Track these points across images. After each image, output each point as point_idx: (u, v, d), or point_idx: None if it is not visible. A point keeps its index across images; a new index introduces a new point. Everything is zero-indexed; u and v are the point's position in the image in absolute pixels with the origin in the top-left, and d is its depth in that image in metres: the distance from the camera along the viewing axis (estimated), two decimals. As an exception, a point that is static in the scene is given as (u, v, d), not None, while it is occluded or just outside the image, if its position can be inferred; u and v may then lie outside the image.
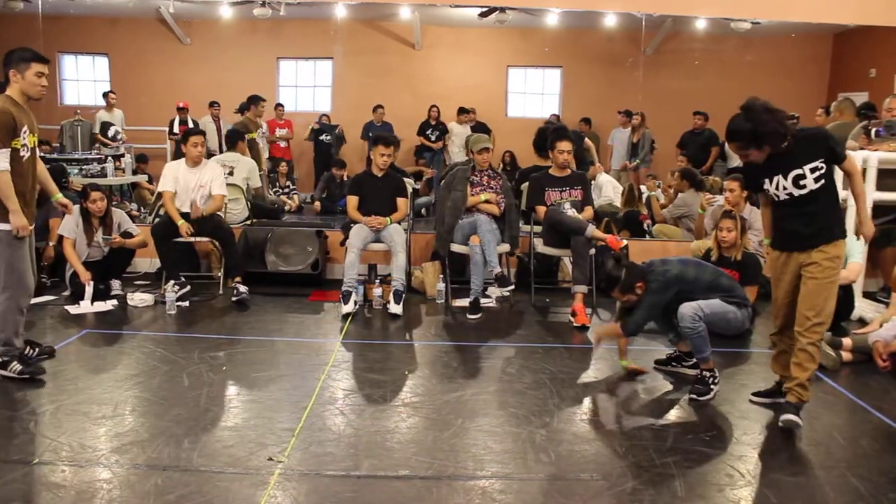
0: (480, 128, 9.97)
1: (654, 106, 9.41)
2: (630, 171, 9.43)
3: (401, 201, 5.69)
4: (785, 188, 3.28)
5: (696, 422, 3.50)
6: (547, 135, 5.79)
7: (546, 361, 4.27)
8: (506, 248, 5.67)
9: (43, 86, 3.75)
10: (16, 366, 3.76)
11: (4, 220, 3.65)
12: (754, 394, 3.75)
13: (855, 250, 4.91)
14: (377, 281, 5.59)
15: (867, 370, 4.15)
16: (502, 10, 8.52)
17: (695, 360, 3.91)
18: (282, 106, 10.45)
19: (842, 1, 6.96)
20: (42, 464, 2.84)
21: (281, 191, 9.66)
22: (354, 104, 10.59)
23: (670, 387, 3.95)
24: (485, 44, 11.08)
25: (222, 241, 5.70)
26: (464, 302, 5.40)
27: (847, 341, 4.38)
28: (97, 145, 8.57)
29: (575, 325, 5.04)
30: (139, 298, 5.29)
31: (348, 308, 5.13)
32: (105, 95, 9.33)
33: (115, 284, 5.50)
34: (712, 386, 3.74)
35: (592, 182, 6.74)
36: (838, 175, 3.53)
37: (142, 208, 8.09)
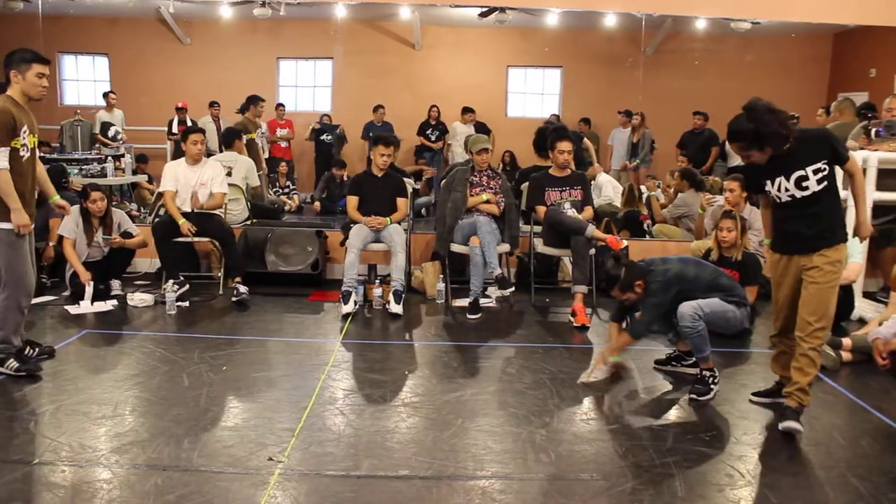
0: (480, 128, 9.98)
1: (654, 106, 9.41)
2: (630, 171, 9.43)
3: (401, 201, 5.69)
4: (787, 190, 3.25)
5: (696, 422, 3.50)
6: (547, 135, 5.79)
7: (546, 361, 4.27)
8: (506, 248, 5.67)
9: (44, 86, 3.76)
10: (13, 363, 3.77)
11: (5, 220, 3.66)
12: (754, 394, 3.75)
13: (855, 250, 4.91)
14: (377, 281, 5.59)
15: (867, 370, 4.15)
16: (502, 10, 8.52)
17: (694, 358, 3.91)
18: (283, 106, 10.44)
19: (842, 1, 6.96)
20: (42, 464, 2.84)
21: (281, 191, 9.67)
22: (354, 104, 10.59)
23: (670, 387, 3.95)
24: (485, 44, 11.08)
25: (222, 241, 5.70)
26: (464, 302, 5.40)
27: (847, 341, 4.38)
28: (97, 145, 8.57)
29: (575, 325, 5.04)
30: (139, 298, 5.29)
31: (348, 308, 5.13)
32: (105, 95, 9.33)
33: (115, 284, 5.50)
34: (712, 386, 3.74)
35: (592, 182, 6.74)
36: (838, 175, 3.51)
37: (142, 208, 8.09)
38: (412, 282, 5.95)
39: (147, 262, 6.05)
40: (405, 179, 6.04)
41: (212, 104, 9.33)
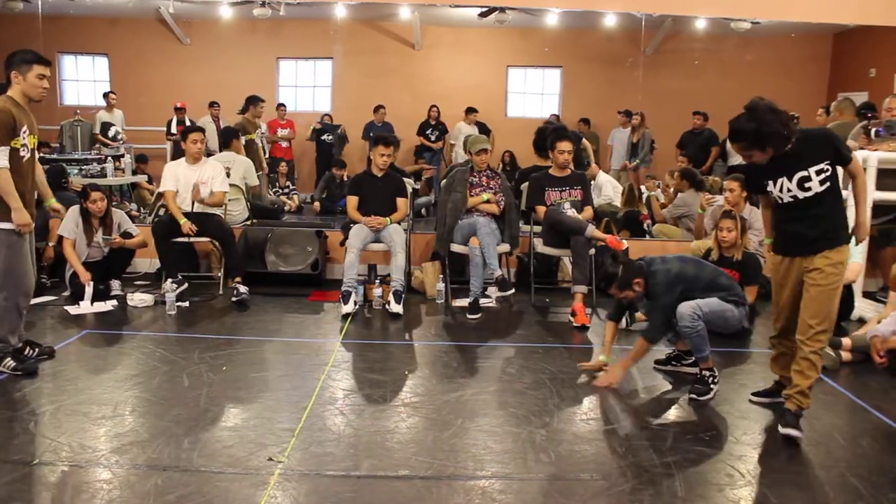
0: (480, 128, 9.99)
1: (654, 106, 9.42)
2: (630, 170, 9.44)
3: (400, 201, 5.69)
4: (789, 190, 3.22)
5: (696, 422, 3.50)
6: (547, 135, 5.79)
7: (546, 361, 4.27)
8: (505, 248, 5.67)
9: (44, 87, 3.77)
10: (9, 362, 3.78)
11: (5, 220, 3.66)
12: (754, 394, 3.74)
13: (855, 250, 4.90)
14: (377, 281, 5.59)
15: (867, 370, 4.16)
16: (502, 10, 8.53)
17: (694, 358, 3.91)
18: (283, 106, 10.45)
19: (842, 1, 6.96)
20: (42, 464, 2.84)
21: (281, 191, 9.67)
22: (354, 104, 10.59)
23: (670, 387, 3.95)
24: (485, 44, 11.08)
25: (222, 241, 5.70)
26: (463, 302, 5.40)
27: (846, 341, 4.38)
28: (97, 145, 8.58)
29: (575, 325, 5.04)
30: (139, 299, 5.29)
31: (348, 308, 5.13)
32: (105, 96, 9.34)
33: (115, 285, 5.50)
34: (712, 386, 3.74)
35: (592, 182, 6.74)
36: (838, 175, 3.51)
37: (141, 208, 8.10)
38: (412, 282, 5.95)
39: (147, 262, 6.05)
40: (405, 179, 6.04)
41: (212, 104, 9.33)
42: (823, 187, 3.19)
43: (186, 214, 5.55)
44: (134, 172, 8.54)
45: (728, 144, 7.98)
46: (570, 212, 5.44)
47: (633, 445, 3.19)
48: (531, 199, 5.59)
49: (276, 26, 10.36)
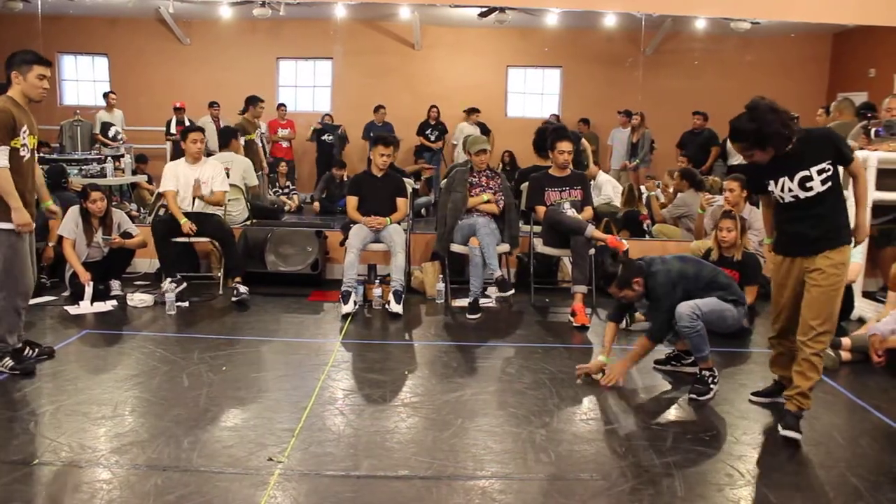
0: (480, 128, 9.99)
1: (654, 106, 9.42)
2: (630, 170, 9.44)
3: (400, 201, 5.69)
4: (790, 190, 3.20)
5: (696, 422, 3.50)
6: (546, 135, 5.79)
7: (546, 361, 4.27)
8: (505, 247, 5.68)
9: (44, 88, 3.78)
10: (7, 361, 3.79)
11: (5, 220, 3.66)
12: (754, 393, 3.74)
13: (855, 250, 4.88)
14: (377, 281, 5.59)
15: (866, 370, 4.16)
16: (502, 10, 8.53)
17: (693, 358, 3.91)
18: (284, 106, 10.45)
19: (842, 1, 6.96)
20: (42, 464, 2.84)
21: (281, 191, 9.67)
22: (354, 104, 10.60)
23: (669, 387, 3.95)
24: (484, 44, 11.09)
25: (222, 241, 5.70)
26: (463, 302, 5.40)
27: (846, 341, 4.38)
28: (97, 145, 8.58)
29: (575, 325, 5.04)
30: (139, 299, 5.29)
31: (348, 308, 5.13)
32: (105, 96, 9.35)
33: (115, 285, 5.50)
34: (712, 385, 3.74)
35: (592, 182, 6.75)
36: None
37: (141, 208, 8.10)
38: (412, 282, 5.95)
39: (147, 262, 6.05)
40: (405, 179, 6.04)
41: (211, 104, 9.33)
42: (825, 187, 3.18)
43: (186, 214, 5.56)
44: (134, 172, 8.54)
45: (728, 144, 8.00)
46: (570, 212, 5.44)
47: (633, 445, 3.19)
48: (531, 199, 5.59)
49: (276, 26, 10.36)
